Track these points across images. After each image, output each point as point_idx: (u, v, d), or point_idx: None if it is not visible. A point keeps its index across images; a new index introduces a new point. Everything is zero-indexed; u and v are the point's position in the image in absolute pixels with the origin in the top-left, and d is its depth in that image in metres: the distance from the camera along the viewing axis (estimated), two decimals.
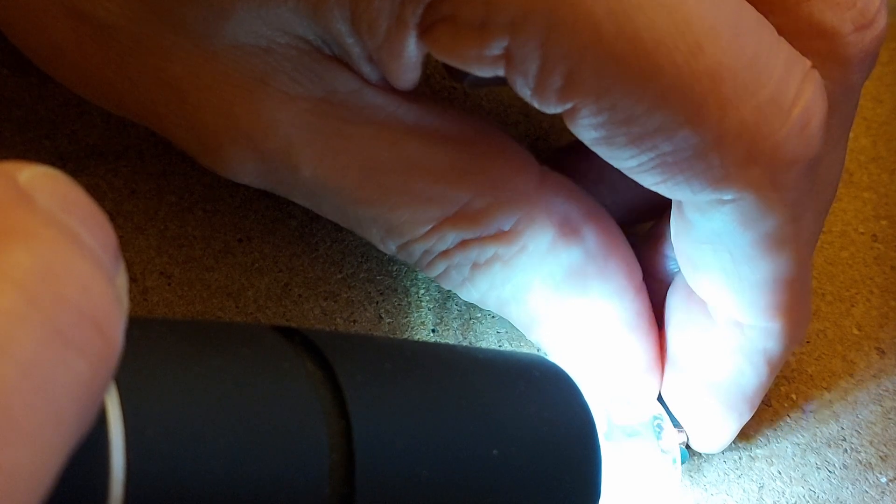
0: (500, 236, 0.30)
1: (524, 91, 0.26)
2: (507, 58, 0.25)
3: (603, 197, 0.33)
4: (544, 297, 0.30)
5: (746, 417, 0.32)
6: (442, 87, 0.39)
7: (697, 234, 0.28)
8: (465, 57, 0.25)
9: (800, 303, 0.29)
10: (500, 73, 0.26)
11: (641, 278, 0.31)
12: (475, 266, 0.30)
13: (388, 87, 0.29)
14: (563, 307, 0.30)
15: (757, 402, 0.31)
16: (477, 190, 0.29)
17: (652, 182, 0.27)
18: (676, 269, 0.32)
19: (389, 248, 0.30)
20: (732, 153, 0.25)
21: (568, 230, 0.30)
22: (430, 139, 0.29)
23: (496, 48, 0.25)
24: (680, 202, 0.28)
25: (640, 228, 0.36)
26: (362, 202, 0.29)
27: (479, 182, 0.29)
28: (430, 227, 0.29)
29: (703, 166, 0.25)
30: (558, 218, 0.30)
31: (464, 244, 0.30)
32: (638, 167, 0.26)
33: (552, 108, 0.26)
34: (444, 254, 0.30)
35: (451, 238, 0.30)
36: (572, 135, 0.27)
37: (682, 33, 0.24)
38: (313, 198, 0.30)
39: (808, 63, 0.26)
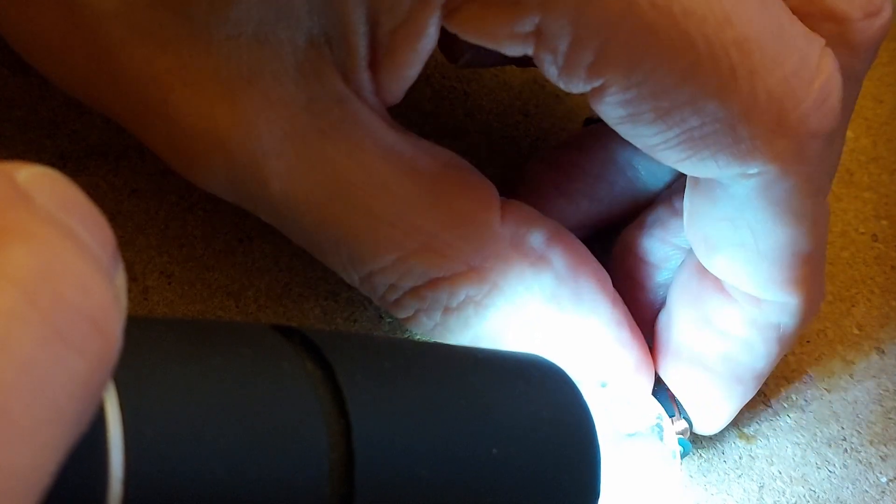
0: (468, 274, 0.29)
1: (551, 70, 0.26)
2: (538, 34, 0.25)
3: (601, 194, 0.33)
4: (523, 329, 0.30)
5: (750, 395, 0.32)
6: (442, 87, 0.39)
7: (717, 210, 0.28)
8: (495, 35, 0.25)
9: (816, 277, 0.30)
10: (529, 51, 0.26)
11: (612, 286, 0.31)
12: (447, 311, 0.30)
13: (372, 106, 0.28)
14: (543, 334, 0.30)
15: (762, 381, 0.32)
16: (443, 223, 0.29)
17: (676, 159, 0.27)
18: (671, 252, 0.33)
19: (353, 278, 0.30)
20: (761, 124, 0.26)
21: (535, 258, 0.30)
22: (402, 167, 0.29)
23: (528, 24, 0.25)
24: (697, 179, 0.28)
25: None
26: (327, 223, 0.29)
27: (445, 216, 0.29)
28: (395, 257, 0.29)
29: (731, 139, 0.26)
30: (524, 248, 0.30)
31: (433, 283, 0.29)
32: (663, 144, 0.27)
33: (579, 87, 0.26)
34: (414, 293, 0.29)
35: (417, 273, 0.29)
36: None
37: (711, 5, 0.25)
38: (279, 216, 0.29)
39: (823, 40, 0.27)
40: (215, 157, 0.28)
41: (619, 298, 0.31)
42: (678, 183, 0.32)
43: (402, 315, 0.30)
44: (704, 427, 0.32)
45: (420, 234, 0.29)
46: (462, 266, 0.29)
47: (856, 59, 0.29)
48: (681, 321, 0.32)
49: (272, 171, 0.28)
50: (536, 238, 0.30)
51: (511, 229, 0.30)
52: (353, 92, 0.28)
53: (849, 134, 0.41)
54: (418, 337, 0.34)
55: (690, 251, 0.31)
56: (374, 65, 0.28)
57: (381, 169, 0.28)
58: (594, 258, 0.31)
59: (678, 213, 0.32)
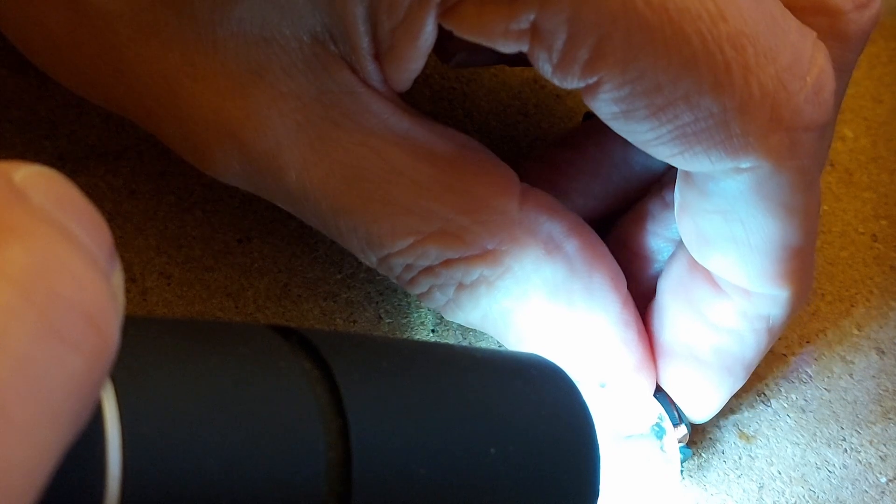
0: (484, 256, 0.29)
1: (545, 67, 0.26)
2: (533, 31, 0.25)
3: (596, 191, 0.34)
4: (531, 316, 0.30)
5: (740, 384, 0.32)
6: (442, 87, 0.39)
7: (709, 204, 0.28)
8: (492, 32, 0.26)
9: (806, 269, 0.30)
10: (524, 48, 0.26)
11: (626, 287, 0.31)
12: (460, 287, 0.30)
13: (382, 93, 0.29)
14: (550, 323, 0.30)
15: (751, 371, 0.32)
16: (459, 207, 0.29)
17: (668, 154, 0.27)
18: (662, 245, 0.33)
19: (370, 259, 0.30)
20: (754, 120, 0.26)
21: (552, 247, 0.30)
22: (417, 152, 0.29)
23: (524, 21, 0.25)
24: (689, 174, 0.29)
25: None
26: (344, 210, 0.29)
27: (461, 200, 0.29)
28: (411, 241, 0.29)
29: (724, 135, 0.26)
30: (542, 236, 0.30)
31: (448, 263, 0.29)
32: (656, 140, 0.27)
33: (574, 84, 0.26)
34: (429, 270, 0.30)
35: (433, 255, 0.29)
36: None
37: (704, 2, 0.25)
38: (296, 204, 0.29)
39: (815, 33, 0.27)
40: (229, 150, 0.29)
41: (631, 300, 0.31)
42: (669, 176, 0.33)
43: (416, 291, 0.31)
44: (693, 416, 0.32)
45: (436, 218, 0.29)
46: (477, 249, 0.29)
47: (847, 50, 0.29)
48: (671, 313, 0.32)
49: (287, 161, 0.28)
50: (555, 227, 0.30)
51: (530, 216, 0.30)
52: (362, 82, 0.28)
53: (848, 134, 0.41)
54: (421, 330, 0.34)
55: (681, 244, 0.31)
56: (378, 58, 0.28)
57: (395, 155, 0.29)
58: (612, 258, 0.31)
59: (669, 206, 0.32)
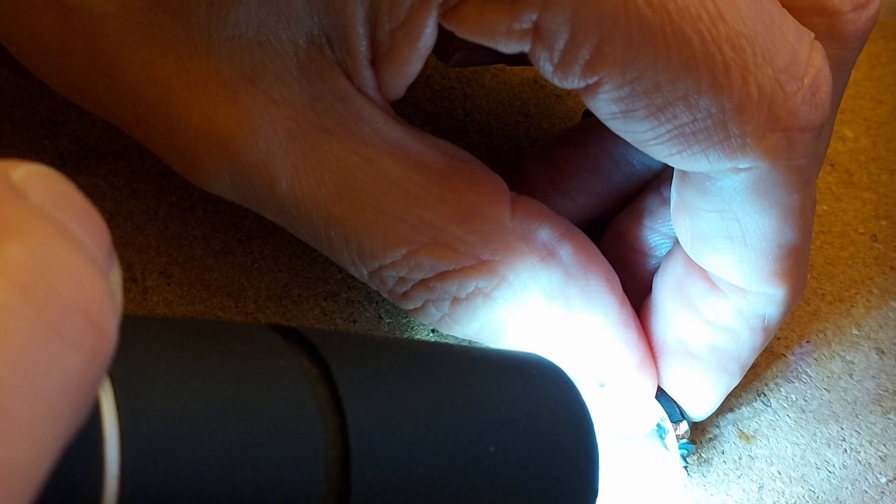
0: (479, 267, 0.29)
1: (546, 67, 0.26)
2: (536, 32, 0.25)
3: (596, 188, 0.34)
4: (528, 322, 0.30)
5: (735, 382, 0.32)
6: (442, 87, 0.39)
7: (706, 203, 0.29)
8: (494, 33, 0.26)
9: (801, 267, 0.30)
10: (525, 48, 0.26)
11: (621, 287, 0.31)
12: (455, 301, 0.30)
13: (376, 102, 0.29)
14: (548, 328, 0.30)
15: (746, 369, 0.32)
16: (452, 217, 0.29)
17: (666, 154, 0.27)
18: (660, 240, 0.33)
19: (362, 273, 0.30)
20: (752, 120, 0.26)
21: (546, 254, 0.30)
22: (409, 162, 0.29)
23: (526, 22, 0.25)
24: (686, 172, 0.29)
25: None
26: (335, 220, 0.29)
27: (454, 210, 0.29)
28: (404, 252, 0.29)
29: (722, 135, 0.26)
30: (535, 243, 0.30)
31: (443, 276, 0.29)
32: (654, 139, 0.27)
33: (574, 83, 0.26)
34: (423, 284, 0.29)
35: (427, 266, 0.29)
36: None
37: (704, 2, 0.25)
38: (287, 215, 0.29)
39: (812, 33, 0.27)
40: (219, 159, 0.28)
41: (627, 300, 0.31)
42: (667, 172, 0.33)
43: (410, 307, 0.30)
44: (690, 413, 0.32)
45: (429, 228, 0.29)
46: (471, 260, 0.29)
47: (845, 50, 0.29)
48: (667, 310, 0.32)
49: (278, 170, 0.28)
50: (546, 233, 0.30)
51: (522, 223, 0.30)
52: (357, 89, 0.28)
53: (849, 134, 0.41)
54: (421, 330, 0.34)
55: (677, 241, 0.31)
56: (375, 63, 0.28)
57: (387, 164, 0.29)
58: (604, 258, 0.31)
59: (667, 202, 0.32)
